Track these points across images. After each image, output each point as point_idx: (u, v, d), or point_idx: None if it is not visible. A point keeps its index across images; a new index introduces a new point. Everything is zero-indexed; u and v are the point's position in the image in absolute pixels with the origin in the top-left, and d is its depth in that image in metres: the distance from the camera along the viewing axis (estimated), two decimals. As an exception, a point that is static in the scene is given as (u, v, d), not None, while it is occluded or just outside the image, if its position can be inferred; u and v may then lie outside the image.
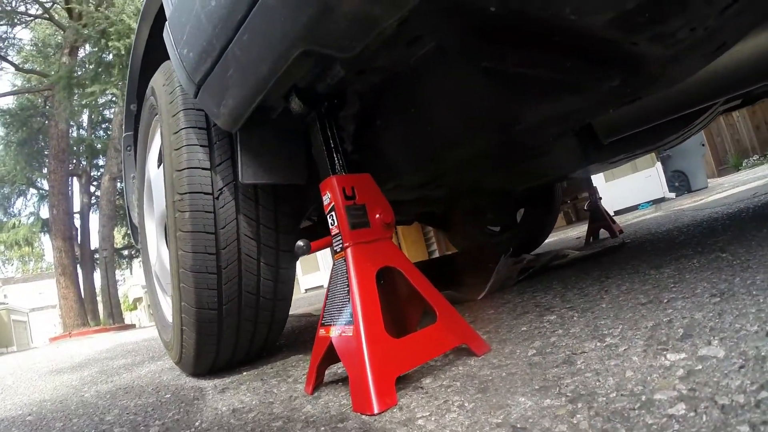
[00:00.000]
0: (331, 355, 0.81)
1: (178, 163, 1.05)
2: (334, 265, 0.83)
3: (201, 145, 1.06)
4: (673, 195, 6.50)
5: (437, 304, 0.83)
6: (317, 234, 0.97)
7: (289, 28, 0.68)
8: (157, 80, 1.26)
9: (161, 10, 1.13)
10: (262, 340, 1.26)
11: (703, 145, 6.81)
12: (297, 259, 1.35)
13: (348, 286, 0.77)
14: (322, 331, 0.83)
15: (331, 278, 0.83)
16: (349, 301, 0.76)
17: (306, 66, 0.82)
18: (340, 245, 0.80)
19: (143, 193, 1.55)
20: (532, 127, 1.13)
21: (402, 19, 0.70)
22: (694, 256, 1.25)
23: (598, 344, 0.75)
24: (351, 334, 0.73)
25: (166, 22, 1.00)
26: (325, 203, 0.83)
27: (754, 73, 1.16)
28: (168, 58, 1.08)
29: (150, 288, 1.57)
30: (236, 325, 1.14)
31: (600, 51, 0.89)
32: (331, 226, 0.82)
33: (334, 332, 0.78)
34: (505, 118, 1.08)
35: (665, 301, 0.89)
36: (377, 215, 0.82)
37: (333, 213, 0.81)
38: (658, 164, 6.54)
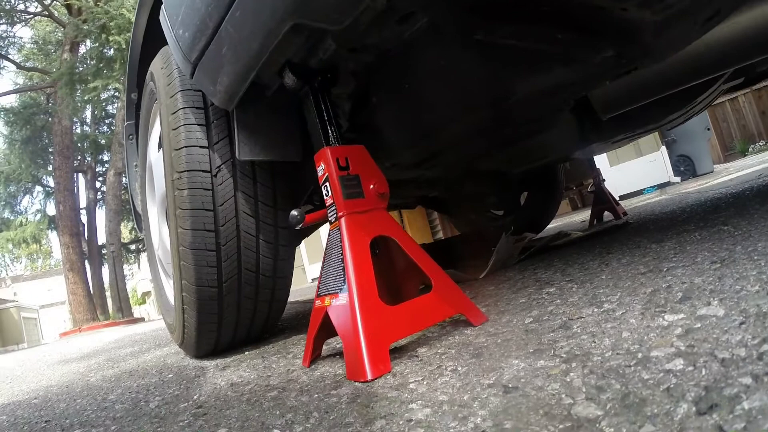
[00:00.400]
0: (327, 327, 0.81)
1: (177, 142, 1.05)
2: (329, 235, 0.83)
3: (198, 124, 1.06)
4: (678, 179, 6.43)
5: (433, 274, 0.83)
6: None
7: (279, 2, 0.68)
8: (155, 64, 1.26)
9: (158, -4, 1.13)
10: (264, 319, 1.26)
11: (708, 129, 6.71)
12: (299, 242, 1.35)
13: (342, 255, 0.77)
14: (318, 302, 0.83)
15: (326, 249, 0.83)
16: (343, 270, 0.76)
17: (297, 40, 0.82)
18: (335, 215, 0.80)
19: (145, 179, 1.56)
20: (525, 100, 1.12)
21: None
22: (695, 230, 1.24)
23: (596, 310, 0.74)
24: (345, 302, 0.73)
25: (162, 6, 1.01)
26: (320, 174, 0.83)
27: (752, 45, 1.14)
28: (166, 44, 1.08)
29: (154, 273, 1.58)
30: (236, 303, 1.15)
31: (590, 19, 0.88)
32: (325, 197, 0.82)
33: (329, 302, 0.78)
34: (498, 92, 1.07)
35: (665, 269, 0.89)
36: (371, 186, 0.82)
37: (327, 184, 0.81)
38: (663, 148, 6.47)
